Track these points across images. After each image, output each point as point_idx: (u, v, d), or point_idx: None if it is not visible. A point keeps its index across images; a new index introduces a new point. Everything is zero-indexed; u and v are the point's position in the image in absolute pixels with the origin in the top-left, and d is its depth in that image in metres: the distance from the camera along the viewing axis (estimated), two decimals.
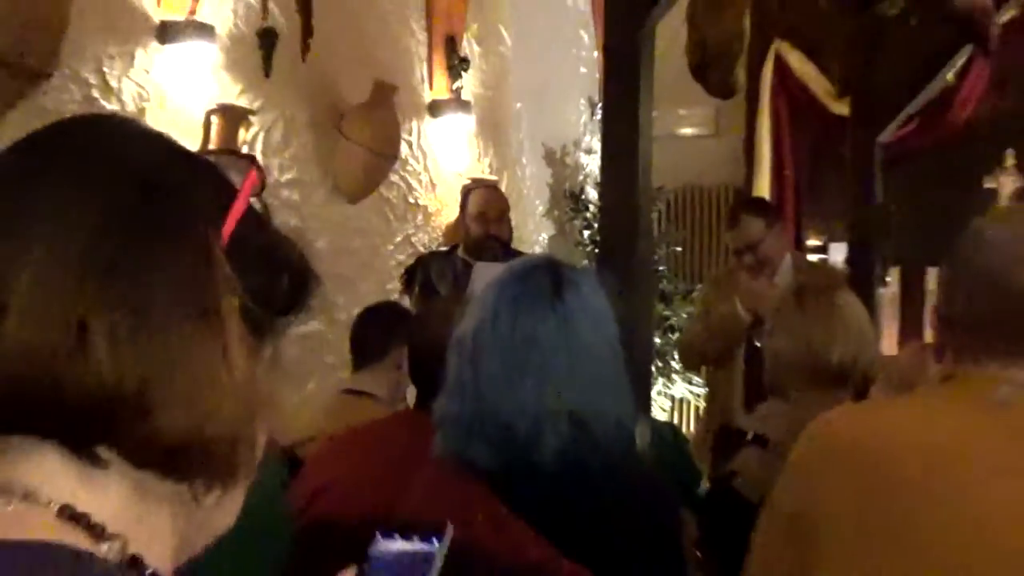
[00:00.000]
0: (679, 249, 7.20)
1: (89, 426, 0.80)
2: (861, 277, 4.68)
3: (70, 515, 0.78)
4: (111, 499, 0.82)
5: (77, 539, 0.78)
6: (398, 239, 6.13)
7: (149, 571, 0.80)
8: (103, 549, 0.79)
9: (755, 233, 4.40)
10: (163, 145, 0.90)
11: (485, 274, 2.27)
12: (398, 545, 1.04)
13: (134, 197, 0.85)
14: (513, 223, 5.88)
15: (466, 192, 5.35)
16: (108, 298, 0.81)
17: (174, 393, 0.81)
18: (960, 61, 5.16)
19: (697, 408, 6.71)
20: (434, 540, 1.04)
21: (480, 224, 4.94)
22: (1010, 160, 6.54)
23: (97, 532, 0.79)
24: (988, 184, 6.46)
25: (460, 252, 4.86)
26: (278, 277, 0.93)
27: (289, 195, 5.52)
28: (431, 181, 6.43)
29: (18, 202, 0.84)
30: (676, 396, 6.86)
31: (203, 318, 0.84)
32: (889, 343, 5.52)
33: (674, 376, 6.68)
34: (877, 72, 4.70)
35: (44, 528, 0.78)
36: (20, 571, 0.76)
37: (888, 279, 5.95)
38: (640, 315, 3.29)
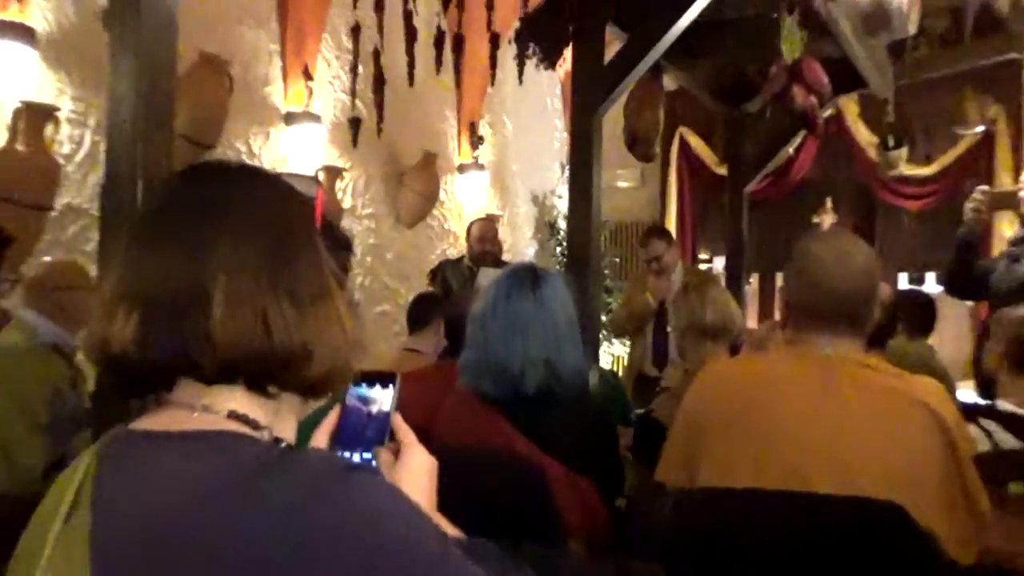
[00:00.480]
0: (616, 260, 8.16)
1: (269, 374, 0.94)
2: (733, 279, 5.22)
3: (236, 416, 0.92)
4: (268, 410, 0.96)
5: (241, 429, 0.92)
6: (437, 252, 7.12)
7: (284, 443, 0.96)
8: (259, 435, 0.93)
9: (659, 249, 5.09)
10: (285, 185, 1.04)
11: (487, 275, 2.45)
12: (364, 389, 1.05)
13: (278, 223, 0.98)
14: (510, 243, 6.96)
15: (469, 225, 5.94)
16: (276, 293, 0.93)
17: (320, 349, 0.95)
18: (797, 140, 5.58)
19: (619, 361, 7.49)
20: (390, 385, 1.05)
21: (480, 243, 5.61)
22: (828, 205, 7.63)
23: (254, 425, 0.93)
24: (814, 220, 7.54)
25: (466, 261, 5.57)
26: (340, 251, 1.27)
27: (369, 223, 6.63)
28: (459, 215, 7.41)
29: (207, 230, 0.94)
30: (615, 353, 7.66)
31: (326, 295, 0.98)
32: (751, 322, 6.12)
33: (613, 340, 7.41)
34: (744, 147, 5.11)
35: (217, 423, 0.92)
36: (202, 444, 0.90)
37: (750, 280, 6.57)
38: (592, 300, 3.59)
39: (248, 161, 5.37)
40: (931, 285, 7.21)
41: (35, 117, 4.21)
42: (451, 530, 1.05)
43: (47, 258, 4.18)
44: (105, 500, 0.88)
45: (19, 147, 4.17)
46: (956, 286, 4.31)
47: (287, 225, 0.98)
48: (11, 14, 4.18)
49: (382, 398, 1.05)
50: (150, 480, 0.87)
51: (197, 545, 0.81)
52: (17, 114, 4.18)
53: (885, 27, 4.15)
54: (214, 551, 0.81)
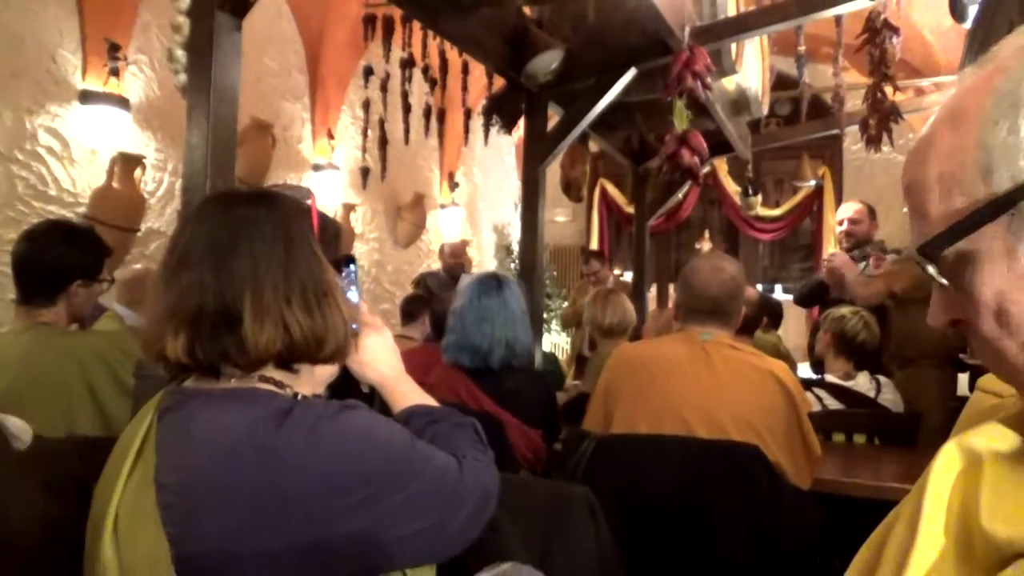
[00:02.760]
0: (554, 274, 8.17)
1: (291, 359, 0.92)
2: (638, 288, 5.14)
3: (264, 379, 0.91)
4: (289, 375, 0.94)
5: (269, 387, 0.91)
6: (423, 265, 7.01)
7: (300, 395, 0.92)
8: (283, 391, 0.91)
9: (596, 266, 5.20)
10: (288, 207, 0.97)
11: (465, 280, 2.41)
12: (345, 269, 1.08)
13: (286, 241, 0.92)
14: (478, 260, 6.97)
15: (442, 245, 5.94)
16: (293, 303, 0.90)
17: (328, 336, 0.93)
18: (684, 189, 5.57)
19: (557, 345, 7.52)
20: (352, 265, 1.10)
21: (451, 258, 5.59)
22: (706, 235, 7.59)
23: (280, 385, 0.92)
24: (696, 246, 7.54)
25: (441, 271, 5.52)
26: (333, 246, 1.12)
27: (374, 244, 6.52)
28: (441, 240, 7.29)
29: (229, 258, 0.89)
30: (554, 341, 7.65)
31: (328, 292, 0.94)
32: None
33: (553, 331, 7.45)
34: (646, 193, 5.13)
35: (251, 383, 0.90)
36: (239, 397, 0.88)
37: (650, 289, 6.43)
38: (536, 301, 3.49)
39: None
40: (778, 293, 7.33)
41: (128, 163, 4.17)
42: (421, 393, 1.12)
43: (137, 266, 4.11)
44: (164, 444, 0.87)
45: (115, 185, 4.12)
46: (804, 304, 4.38)
47: (293, 238, 0.94)
48: (111, 87, 4.12)
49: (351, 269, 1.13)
50: (197, 428, 0.86)
51: (229, 486, 0.80)
52: (114, 161, 4.13)
53: (745, 109, 4.23)
54: (241, 491, 0.80)
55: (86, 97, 4.05)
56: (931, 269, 0.56)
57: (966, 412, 0.77)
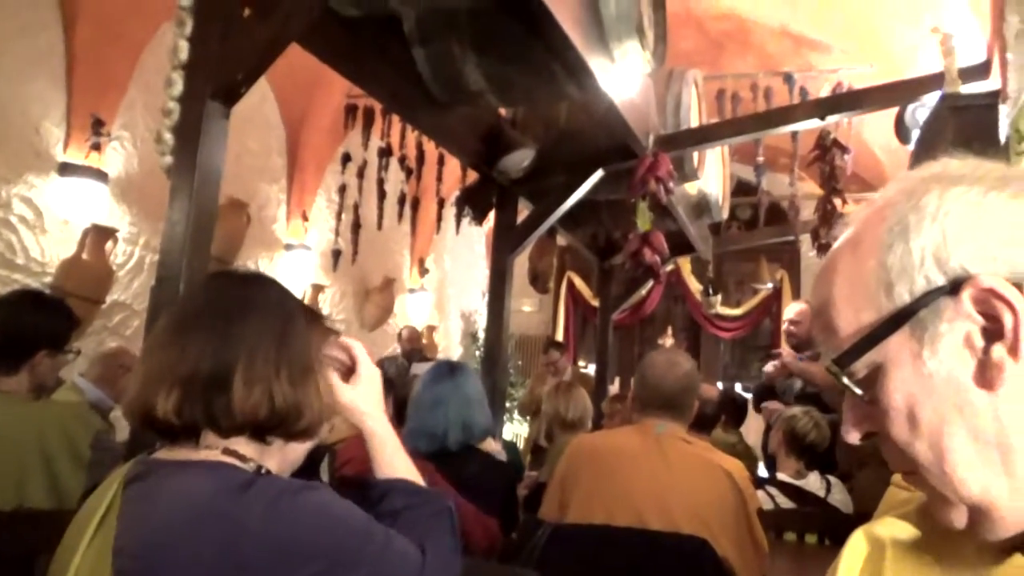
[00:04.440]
0: (520, 363, 8.15)
1: (269, 430, 0.95)
2: (600, 379, 5.21)
3: (228, 452, 0.93)
4: (257, 448, 0.96)
5: (232, 460, 0.93)
6: (390, 349, 6.91)
7: (264, 470, 0.94)
8: (246, 465, 0.94)
9: (555, 356, 5.14)
10: (282, 290, 1.04)
11: (419, 367, 2.43)
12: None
13: (283, 319, 0.98)
14: (444, 345, 6.89)
15: (400, 330, 6.08)
16: (278, 374, 0.94)
17: (306, 410, 0.96)
18: (648, 285, 5.64)
19: (518, 436, 7.33)
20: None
21: (408, 343, 5.69)
22: (669, 331, 7.72)
23: (243, 458, 0.94)
24: (659, 341, 7.61)
25: (400, 357, 5.58)
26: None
27: (343, 327, 6.45)
28: (408, 324, 7.27)
29: (230, 325, 0.94)
30: (515, 431, 7.43)
31: (310, 370, 0.99)
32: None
33: (514, 420, 7.33)
34: (611, 288, 5.24)
35: (214, 456, 0.92)
36: (205, 467, 0.90)
37: (613, 381, 6.45)
38: (499, 389, 3.52)
39: None
40: (737, 389, 7.44)
41: (100, 236, 4.18)
42: (406, 457, 1.10)
43: (113, 344, 4.08)
44: (126, 511, 0.89)
45: (85, 256, 4.11)
46: (756, 406, 4.46)
47: (286, 318, 0.99)
48: (92, 160, 4.19)
49: None
50: (159, 496, 0.88)
51: (188, 550, 0.82)
52: (86, 232, 4.14)
53: (706, 213, 4.43)
54: (201, 556, 0.82)
55: (65, 169, 4.11)
56: (845, 380, 0.60)
57: (882, 505, 0.83)
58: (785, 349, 3.54)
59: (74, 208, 4.16)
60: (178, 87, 1.92)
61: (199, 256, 1.82)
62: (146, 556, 0.83)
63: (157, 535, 0.84)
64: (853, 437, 0.64)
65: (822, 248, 3.65)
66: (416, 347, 5.72)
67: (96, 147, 4.18)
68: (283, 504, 0.86)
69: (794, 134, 3.89)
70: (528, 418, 5.54)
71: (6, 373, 1.88)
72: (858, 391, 0.60)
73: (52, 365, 1.97)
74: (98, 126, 4.17)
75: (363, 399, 1.07)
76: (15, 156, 3.92)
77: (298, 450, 1.02)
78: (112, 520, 0.88)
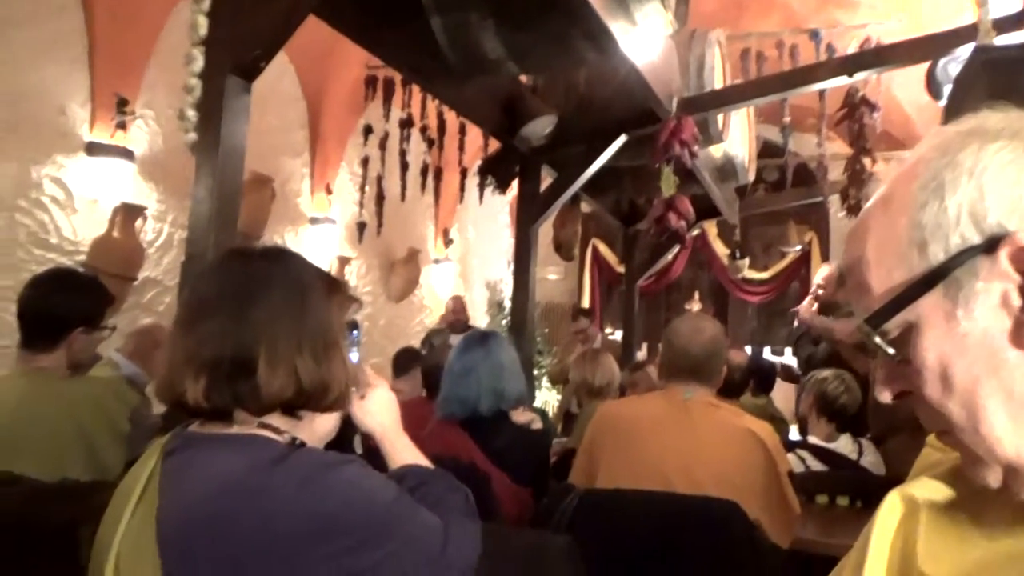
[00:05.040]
0: (546, 331, 8.03)
1: (298, 406, 0.96)
2: (627, 347, 5.26)
3: (263, 425, 0.94)
4: (290, 422, 0.97)
5: (267, 434, 0.94)
6: (416, 320, 7.07)
7: (299, 442, 0.96)
8: (280, 438, 0.95)
9: (584, 324, 5.24)
10: (298, 263, 1.02)
11: (456, 340, 2.45)
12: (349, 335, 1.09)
13: (300, 295, 0.97)
14: (471, 316, 6.82)
15: (448, 301, 6.10)
16: (303, 351, 0.94)
17: (333, 384, 0.97)
18: (674, 251, 5.67)
19: (547, 403, 7.35)
20: (356, 332, 1.17)
21: (454, 314, 5.71)
22: (696, 297, 7.70)
23: (277, 431, 0.95)
24: (686, 307, 7.60)
25: (447, 329, 5.59)
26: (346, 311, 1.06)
27: (368, 298, 6.54)
28: (434, 295, 7.36)
29: (248, 306, 0.94)
30: (543, 398, 7.46)
31: (336, 345, 0.99)
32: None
33: (544, 388, 7.31)
34: (636, 254, 5.25)
35: (250, 430, 0.94)
36: (239, 442, 0.92)
37: (640, 348, 6.57)
38: (527, 358, 3.48)
39: None
40: (766, 355, 7.38)
41: (129, 213, 4.24)
42: (416, 452, 1.15)
43: (147, 320, 4.15)
44: (166, 483, 0.90)
45: (115, 234, 4.18)
46: (796, 354, 4.43)
47: (303, 293, 0.98)
48: (118, 139, 4.23)
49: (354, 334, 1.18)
50: (198, 470, 0.89)
51: (225, 523, 0.84)
52: (116, 211, 4.20)
53: (732, 176, 4.36)
54: (236, 528, 0.83)
55: (92, 149, 4.16)
56: (877, 340, 0.60)
57: (916, 466, 0.82)
58: (804, 306, 3.51)
59: (102, 187, 4.21)
60: (198, 63, 1.92)
61: (226, 232, 1.84)
62: (186, 528, 0.85)
63: (197, 507, 0.86)
64: (885, 396, 0.64)
65: (851, 209, 3.58)
66: (461, 318, 5.74)
67: (121, 126, 4.21)
68: (316, 478, 0.87)
69: (821, 93, 3.80)
70: (560, 386, 5.52)
71: (44, 351, 1.91)
72: (890, 351, 0.59)
73: (88, 342, 2.00)
74: (122, 105, 4.20)
75: (372, 417, 1.15)
76: (43, 137, 3.97)
77: (329, 423, 1.04)
78: (153, 491, 0.90)
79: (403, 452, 1.14)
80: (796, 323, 3.76)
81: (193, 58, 1.92)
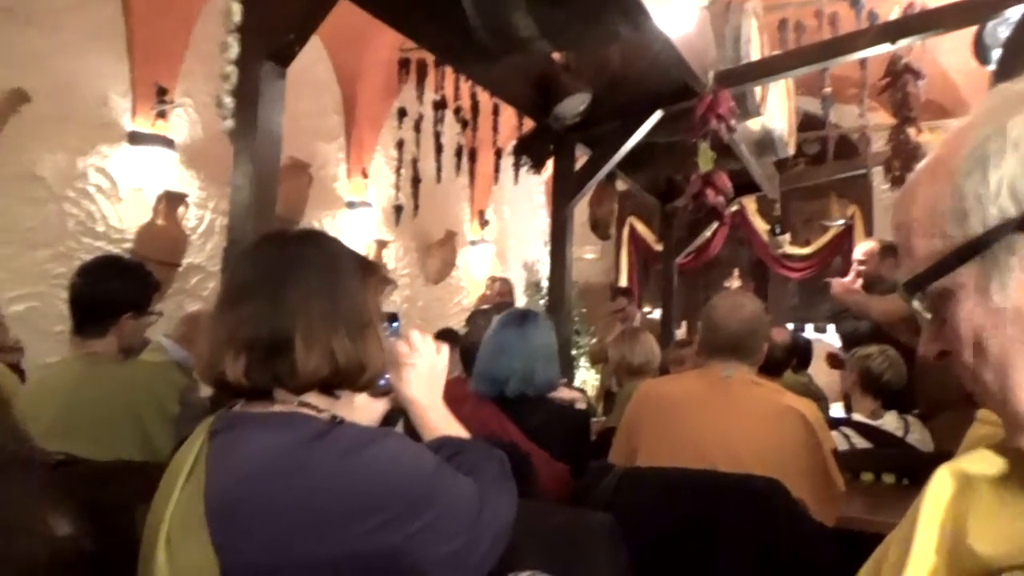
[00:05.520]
0: (583, 310, 7.90)
1: (336, 385, 0.98)
2: (666, 325, 5.22)
3: (303, 404, 0.96)
4: (329, 400, 0.99)
5: (307, 412, 0.96)
6: (453, 302, 7.12)
7: (339, 419, 0.97)
8: (321, 415, 0.96)
9: (623, 303, 5.18)
10: (332, 245, 1.04)
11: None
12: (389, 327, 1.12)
13: (333, 275, 0.98)
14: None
15: (492, 281, 6.10)
16: (339, 331, 0.96)
17: (369, 363, 0.99)
18: (712, 227, 5.62)
19: (586, 382, 7.25)
20: (396, 323, 1.16)
21: (499, 296, 5.68)
22: (735, 274, 7.54)
23: (316, 410, 0.97)
24: (725, 284, 7.46)
25: (492, 309, 5.68)
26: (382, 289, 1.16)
27: (405, 280, 6.58)
28: (470, 277, 7.38)
29: (282, 291, 0.95)
30: (582, 377, 7.32)
31: (370, 325, 1.00)
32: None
33: (582, 368, 7.21)
34: (673, 231, 5.21)
35: (291, 408, 0.96)
36: (281, 420, 0.94)
37: (680, 326, 6.43)
38: (564, 338, 3.51)
39: None
40: (808, 333, 7.27)
41: (172, 201, 4.33)
42: (454, 422, 1.15)
43: (195, 307, 4.26)
44: (212, 462, 0.92)
45: (159, 222, 4.28)
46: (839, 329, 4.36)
47: (337, 274, 0.99)
48: (159, 128, 4.31)
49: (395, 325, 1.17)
50: (242, 448, 0.91)
51: (269, 499, 0.86)
52: (159, 199, 4.29)
53: (771, 150, 4.27)
54: (280, 503, 0.85)
55: (134, 138, 4.24)
56: (916, 303, 0.60)
57: (966, 441, 0.81)
58: (836, 282, 3.44)
59: (145, 175, 4.29)
60: (233, 50, 1.95)
61: (265, 217, 1.87)
62: (232, 504, 0.87)
63: (241, 485, 0.88)
64: (929, 351, 0.64)
65: (896, 181, 3.48)
66: (506, 300, 5.70)
67: (161, 115, 4.29)
68: (357, 453, 0.89)
69: (863, 62, 3.69)
70: (600, 366, 5.49)
71: (95, 336, 1.98)
72: (927, 315, 0.60)
73: (136, 327, 2.06)
74: (162, 94, 4.27)
75: (408, 385, 1.13)
76: (87, 128, 4.06)
77: (378, 408, 1.07)
78: (200, 470, 0.93)
79: (439, 423, 1.14)
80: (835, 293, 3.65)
81: (228, 45, 1.94)
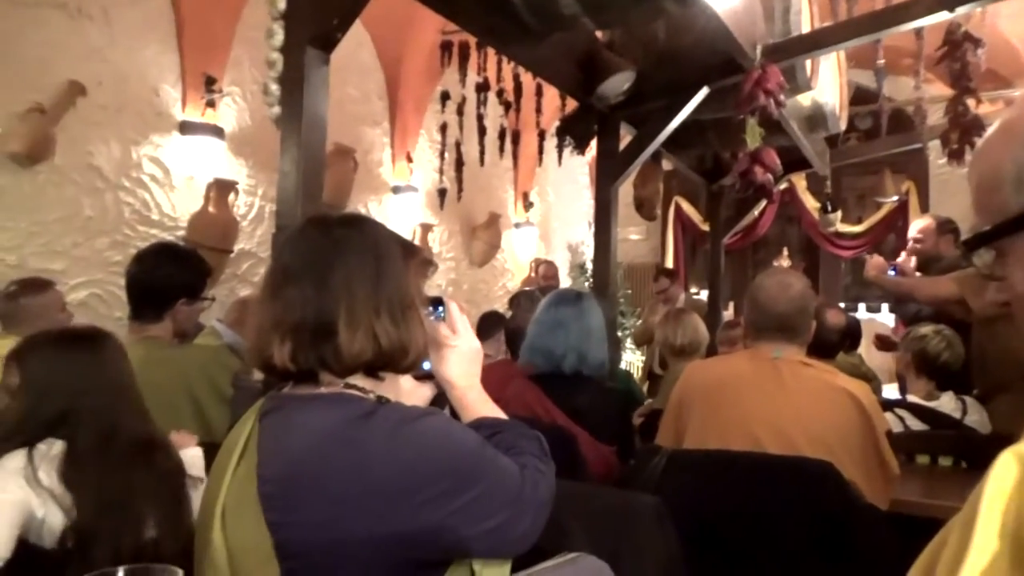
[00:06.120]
0: (629, 292, 7.86)
1: (379, 367, 0.99)
2: (713, 306, 5.10)
3: (349, 385, 0.98)
4: (374, 381, 1.00)
5: (354, 393, 0.98)
6: (498, 284, 7.14)
7: (384, 399, 0.99)
8: (366, 396, 0.98)
9: (665, 284, 5.11)
10: (375, 228, 1.05)
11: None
12: (434, 312, 1.13)
13: (375, 259, 0.99)
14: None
15: (538, 265, 6.11)
16: (382, 314, 0.97)
17: (411, 348, 1.00)
18: (760, 206, 5.57)
19: (632, 364, 7.20)
20: (441, 307, 1.15)
21: (544, 279, 5.72)
22: (785, 253, 7.38)
23: (362, 391, 0.98)
24: (775, 264, 7.24)
25: (535, 290, 5.71)
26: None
27: (450, 264, 6.62)
28: (515, 259, 7.39)
29: (325, 275, 0.97)
30: (627, 359, 7.32)
31: (413, 308, 1.02)
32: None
33: (628, 349, 7.18)
34: (721, 211, 5.10)
35: (337, 389, 0.97)
36: (329, 400, 0.96)
37: (727, 307, 6.34)
38: (610, 319, 3.39)
39: None
40: (861, 312, 7.10)
41: (222, 189, 4.40)
42: (492, 403, 1.15)
43: (245, 292, 4.35)
44: (264, 441, 0.95)
45: (210, 209, 4.36)
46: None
47: (379, 258, 1.00)
48: (208, 117, 4.40)
49: (440, 309, 1.15)
50: (293, 427, 0.93)
51: (321, 475, 0.87)
52: (210, 187, 4.37)
53: (822, 125, 4.15)
54: (332, 479, 0.87)
55: (185, 128, 4.33)
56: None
57: None
58: (872, 260, 3.33)
59: (196, 164, 4.39)
60: (278, 37, 1.97)
61: (312, 203, 1.89)
62: (285, 481, 0.90)
63: (293, 462, 0.90)
64: (995, 299, 0.69)
65: (954, 154, 3.35)
66: (551, 283, 5.73)
67: (210, 104, 4.37)
68: (405, 429, 0.91)
69: (919, 31, 3.55)
70: (644, 347, 5.45)
71: (151, 321, 2.05)
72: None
73: (191, 312, 2.12)
74: (210, 83, 4.35)
75: (447, 368, 1.12)
76: (140, 118, 4.17)
77: (424, 395, 1.08)
78: (252, 449, 0.95)
79: (475, 404, 1.14)
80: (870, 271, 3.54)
81: (273, 32, 1.96)
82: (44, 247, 3.74)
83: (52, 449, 1.31)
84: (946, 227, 3.57)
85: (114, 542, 1.25)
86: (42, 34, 3.70)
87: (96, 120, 3.94)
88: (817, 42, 3.13)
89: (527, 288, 5.82)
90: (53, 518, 1.26)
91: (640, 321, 5.61)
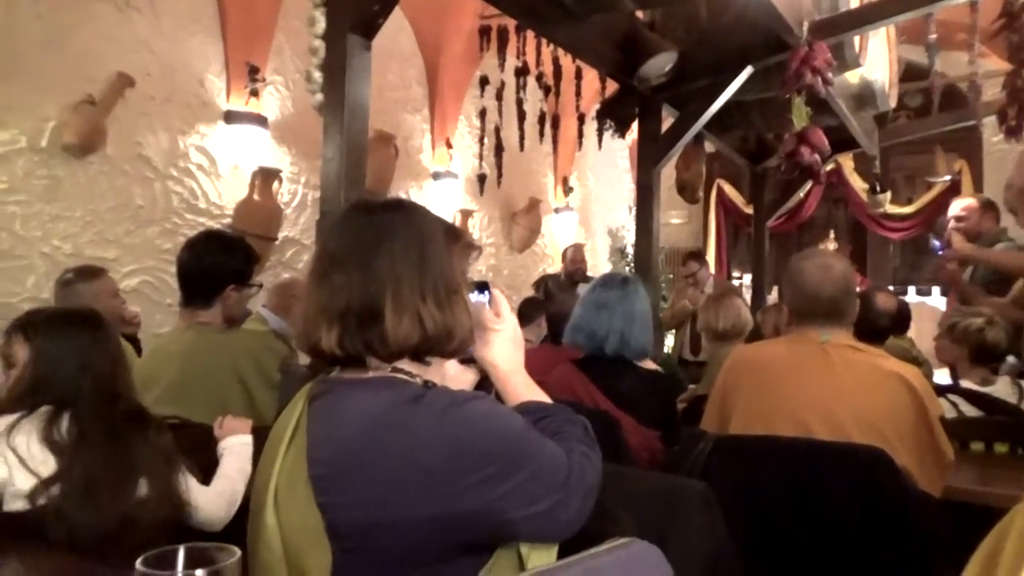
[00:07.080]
0: (671, 276, 7.80)
1: (425, 352, 0.99)
2: (757, 291, 5.07)
3: (396, 370, 0.99)
4: (420, 366, 1.00)
5: (401, 376, 0.98)
6: (539, 270, 7.07)
7: (431, 384, 0.98)
8: (414, 380, 0.98)
9: (693, 268, 4.98)
10: (419, 213, 1.05)
11: (584, 287, 2.51)
12: (479, 296, 1.12)
13: (420, 244, 0.99)
14: (592, 264, 6.79)
15: (566, 249, 6.03)
16: (427, 299, 0.97)
17: (457, 330, 1.00)
18: (806, 187, 5.49)
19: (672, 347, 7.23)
20: (487, 292, 1.14)
21: (572, 263, 5.69)
22: (831, 236, 7.26)
23: (409, 375, 0.98)
24: (821, 247, 6.87)
25: (562, 275, 5.65)
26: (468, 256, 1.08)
27: (490, 249, 6.63)
28: (555, 244, 7.34)
29: (370, 260, 0.97)
30: (668, 343, 7.34)
31: (456, 290, 1.01)
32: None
33: (670, 336, 7.21)
34: (765, 193, 5.03)
35: (384, 374, 0.98)
36: (378, 384, 0.96)
37: (771, 292, 6.16)
38: (653, 303, 3.23)
39: None
40: (911, 295, 6.91)
41: (267, 177, 4.47)
42: (536, 388, 1.14)
43: (286, 275, 4.42)
44: (314, 425, 0.95)
45: (255, 197, 4.43)
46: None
47: (424, 242, 1.00)
48: (252, 107, 4.46)
49: (486, 294, 1.14)
50: (342, 411, 0.94)
51: (371, 458, 0.87)
52: (255, 175, 4.44)
53: (870, 103, 4.03)
54: (382, 462, 0.87)
55: (230, 117, 4.40)
56: None
57: None
58: (956, 237, 3.23)
59: (241, 152, 4.46)
60: (320, 24, 1.98)
61: (355, 188, 1.91)
62: (336, 464, 0.90)
63: (343, 446, 0.91)
64: None
65: (1011, 131, 3.23)
66: (580, 267, 5.73)
67: (254, 93, 4.43)
68: (453, 413, 0.90)
69: (973, 3, 3.43)
70: (674, 332, 5.40)
71: (202, 307, 2.09)
72: None
73: (239, 299, 2.16)
74: (254, 72, 4.40)
75: (491, 353, 1.12)
76: (187, 108, 4.24)
77: (468, 381, 1.08)
78: (302, 433, 0.96)
79: (518, 388, 1.13)
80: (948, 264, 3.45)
81: (315, 20, 1.97)
82: (97, 235, 3.84)
83: (35, 417, 1.38)
84: (990, 205, 3.47)
85: (111, 501, 1.31)
86: (92, 27, 3.79)
87: (144, 111, 4.02)
88: (866, 17, 3.04)
89: (551, 273, 5.79)
90: (22, 483, 1.31)
91: (668, 305, 5.53)
